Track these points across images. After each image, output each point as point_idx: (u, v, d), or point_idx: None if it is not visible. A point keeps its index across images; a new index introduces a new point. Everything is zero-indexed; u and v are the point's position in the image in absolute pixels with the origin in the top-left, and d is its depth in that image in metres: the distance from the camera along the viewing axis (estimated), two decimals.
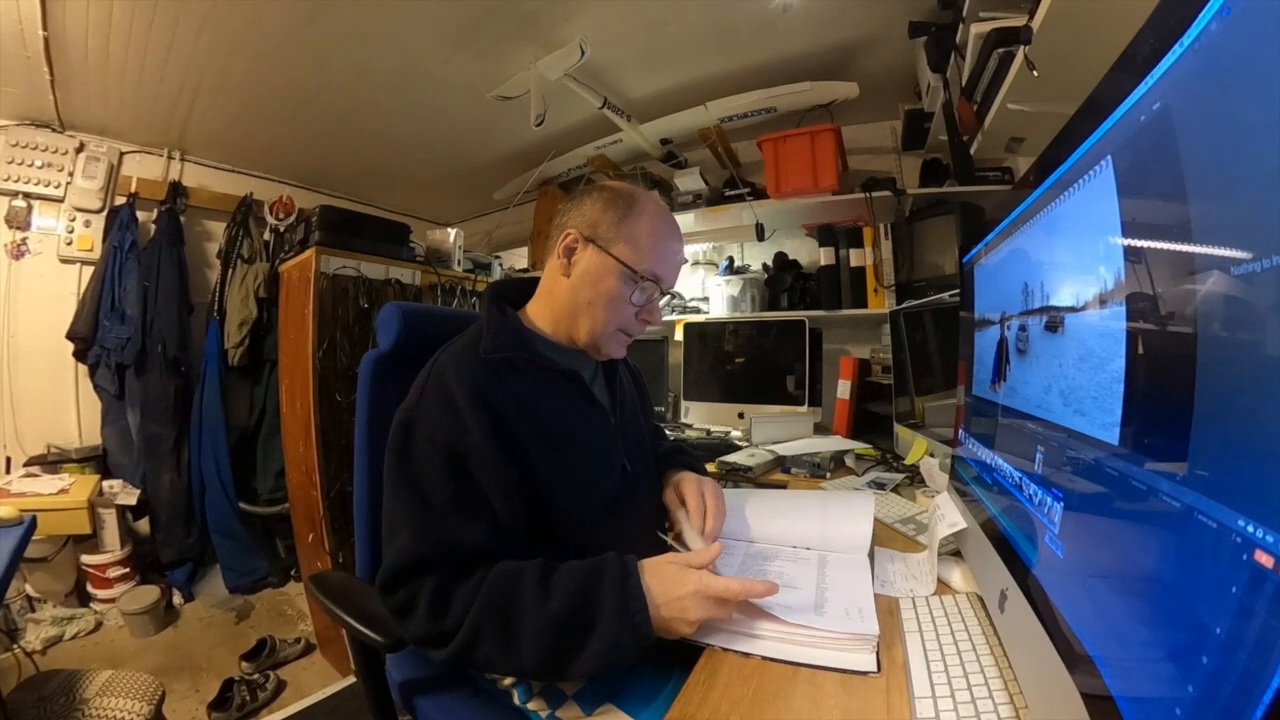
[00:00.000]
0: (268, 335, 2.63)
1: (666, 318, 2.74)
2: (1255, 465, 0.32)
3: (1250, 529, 0.31)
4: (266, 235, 2.75)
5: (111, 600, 2.26)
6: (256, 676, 1.92)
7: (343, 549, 1.93)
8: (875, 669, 0.67)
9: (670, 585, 0.73)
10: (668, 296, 1.00)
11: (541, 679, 0.82)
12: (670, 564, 0.76)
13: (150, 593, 2.26)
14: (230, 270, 2.65)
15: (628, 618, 0.69)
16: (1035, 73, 1.28)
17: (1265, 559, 0.30)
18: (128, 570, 2.33)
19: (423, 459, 0.78)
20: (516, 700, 0.84)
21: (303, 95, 2.31)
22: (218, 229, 2.76)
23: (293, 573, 2.67)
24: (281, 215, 2.71)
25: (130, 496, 2.34)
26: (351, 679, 1.93)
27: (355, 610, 0.87)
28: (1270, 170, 0.31)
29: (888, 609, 0.81)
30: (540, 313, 0.95)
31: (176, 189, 2.61)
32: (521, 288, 1.00)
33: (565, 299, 0.91)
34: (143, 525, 2.49)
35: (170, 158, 2.66)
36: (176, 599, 2.43)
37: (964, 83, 1.66)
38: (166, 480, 2.49)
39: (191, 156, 2.72)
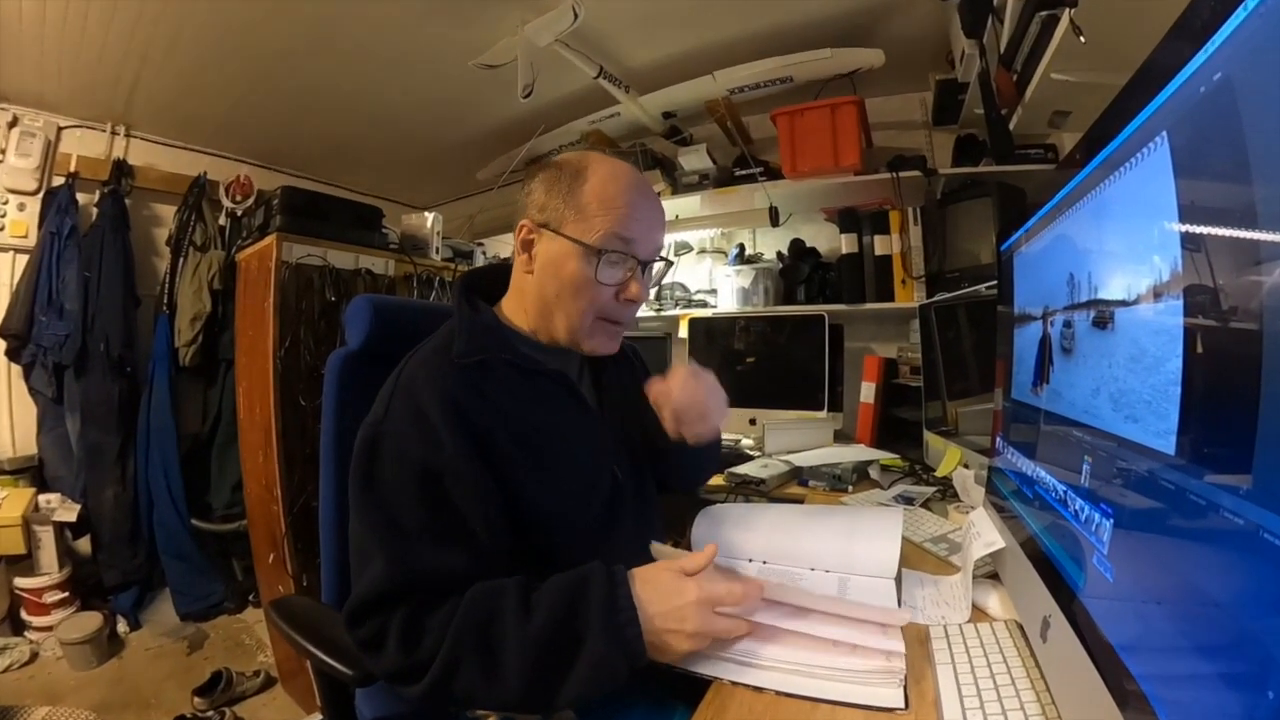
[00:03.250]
0: (223, 332, 2.62)
1: (669, 312, 2.74)
2: None
3: None
4: (222, 220, 2.75)
5: (49, 628, 2.25)
6: (211, 714, 1.91)
7: (307, 571, 1.92)
8: (903, 705, 0.67)
9: (666, 593, 0.73)
10: (660, 265, 0.96)
11: (527, 710, 0.81)
12: (665, 570, 0.76)
13: (92, 620, 2.25)
14: (181, 259, 2.65)
15: (615, 631, 0.69)
16: (1082, 39, 1.27)
17: None
18: (67, 595, 2.32)
19: (392, 480, 0.77)
20: None
21: (262, 63, 2.31)
22: (167, 213, 2.75)
23: (251, 597, 2.66)
24: (238, 197, 2.71)
25: (69, 512, 2.33)
26: (317, 716, 1.92)
27: (321, 639, 0.87)
28: None
29: (917, 638, 0.81)
30: (515, 310, 0.95)
31: (121, 168, 2.61)
32: (498, 277, 0.99)
33: (534, 297, 0.90)
34: (83, 544, 2.48)
35: (114, 133, 2.66)
36: (121, 627, 2.42)
37: (1002, 50, 1.66)
38: (110, 494, 2.48)
39: (138, 132, 2.72)
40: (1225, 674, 0.39)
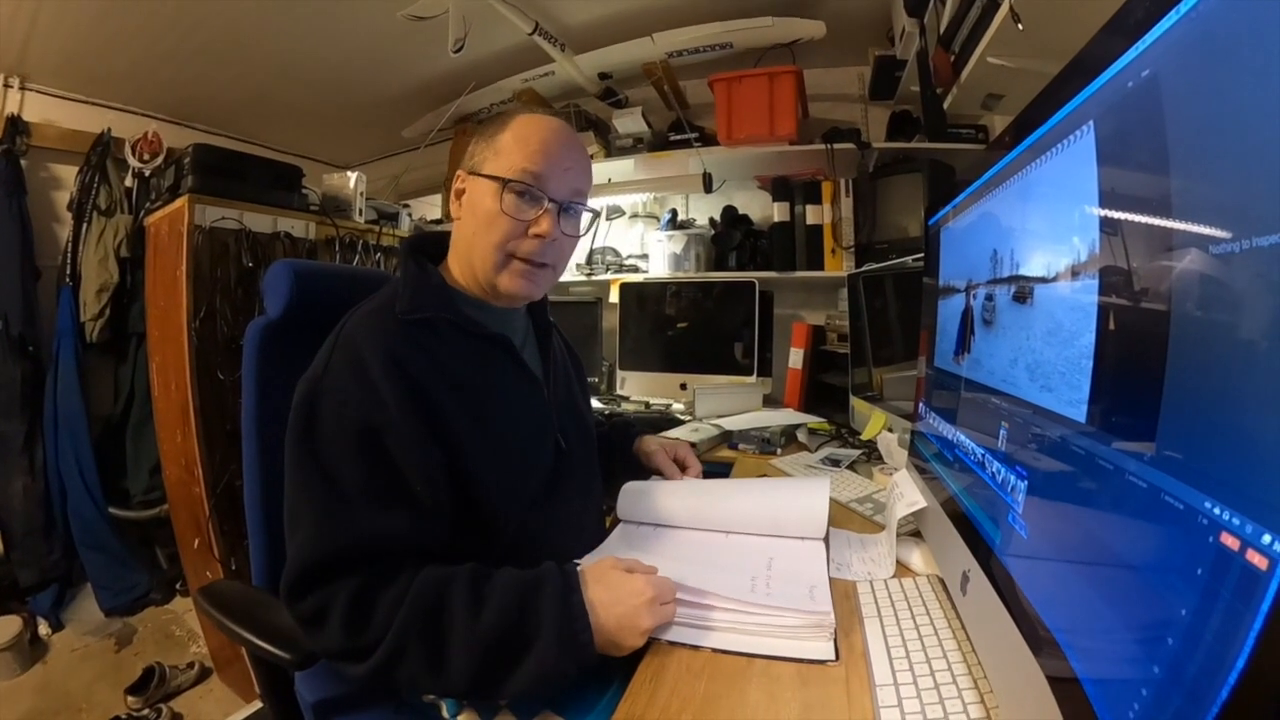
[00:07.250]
0: (133, 303, 2.45)
1: (601, 276, 2.73)
2: (1224, 447, 0.34)
3: (1217, 511, 0.34)
4: (128, 181, 2.51)
5: None
6: (147, 712, 1.85)
7: (235, 554, 1.86)
8: (834, 657, 0.71)
9: (620, 594, 0.74)
10: (588, 215, 0.97)
11: (470, 699, 0.82)
12: (613, 570, 0.77)
13: (10, 625, 2.12)
14: (85, 225, 2.43)
15: (569, 638, 0.70)
16: (1020, 26, 1.30)
17: (1232, 542, 0.32)
18: None
19: (331, 438, 0.75)
20: (445, 714, 0.84)
21: (171, 8, 2.12)
22: (68, 174, 2.51)
23: (178, 586, 2.55)
24: (146, 156, 2.49)
25: None
26: (257, 704, 1.89)
27: (255, 625, 0.85)
28: (1256, 151, 0.33)
29: (845, 593, 0.85)
30: (456, 268, 0.95)
31: (15, 125, 2.35)
32: (443, 242, 0.98)
33: (464, 242, 0.92)
34: None
35: (7, 86, 2.38)
36: (43, 629, 2.29)
37: (942, 30, 1.70)
38: (19, 487, 2.31)
39: (34, 84, 2.45)
40: (1129, 622, 0.42)
